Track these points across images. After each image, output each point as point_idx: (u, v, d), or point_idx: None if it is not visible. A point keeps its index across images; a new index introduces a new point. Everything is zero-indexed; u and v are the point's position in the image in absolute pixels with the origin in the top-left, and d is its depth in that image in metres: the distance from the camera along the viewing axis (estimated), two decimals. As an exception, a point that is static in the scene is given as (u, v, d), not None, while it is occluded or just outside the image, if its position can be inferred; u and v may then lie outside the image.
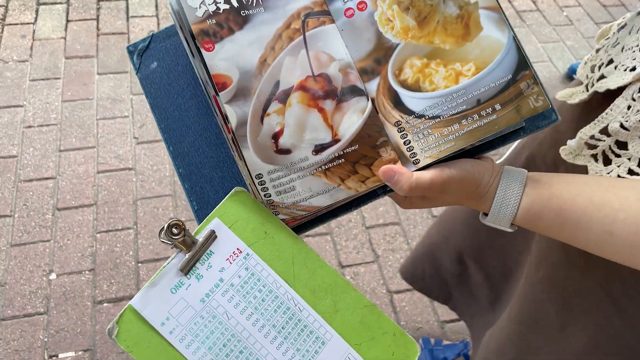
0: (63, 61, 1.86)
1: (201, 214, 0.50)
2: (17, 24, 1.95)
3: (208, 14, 0.46)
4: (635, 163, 0.48)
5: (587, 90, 0.55)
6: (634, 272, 0.47)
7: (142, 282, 1.41)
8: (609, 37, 0.56)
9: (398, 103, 0.48)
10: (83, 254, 1.45)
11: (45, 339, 1.30)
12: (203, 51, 0.46)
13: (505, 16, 0.48)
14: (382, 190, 0.50)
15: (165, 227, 0.43)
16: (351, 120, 0.48)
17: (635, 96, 0.47)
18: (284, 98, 0.47)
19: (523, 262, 0.71)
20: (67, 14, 2.00)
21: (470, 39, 0.48)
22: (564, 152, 0.55)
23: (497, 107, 0.47)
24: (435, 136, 0.48)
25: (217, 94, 0.46)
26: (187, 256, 0.44)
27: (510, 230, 0.48)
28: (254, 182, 0.47)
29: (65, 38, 1.92)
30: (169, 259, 0.44)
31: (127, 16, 2.04)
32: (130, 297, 1.39)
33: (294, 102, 0.47)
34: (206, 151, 0.52)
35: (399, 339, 0.47)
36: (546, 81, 2.05)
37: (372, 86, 0.49)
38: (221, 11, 0.47)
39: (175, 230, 0.43)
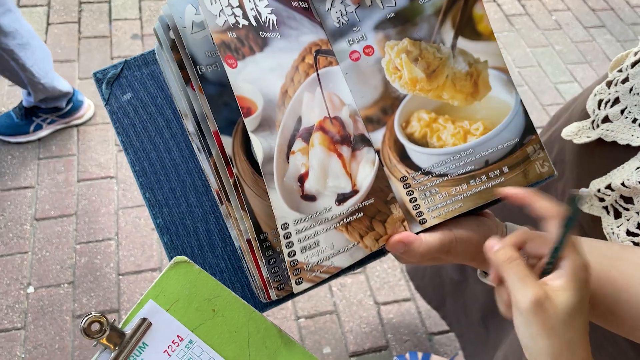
0: (43, 65, 1.81)
1: None
2: (-5, 26, 1.90)
3: (228, 26, 0.40)
4: None
5: (594, 128, 0.53)
6: None
7: (123, 295, 1.38)
8: (621, 70, 0.53)
9: (404, 157, 0.46)
10: (62, 266, 1.41)
11: (23, 355, 1.26)
12: (226, 67, 0.39)
13: (511, 79, 0.48)
14: None
15: (83, 324, 0.35)
16: (365, 171, 0.44)
17: None
18: (307, 137, 0.42)
19: None
20: (48, 16, 1.95)
21: (479, 98, 0.47)
22: None
23: (505, 169, 0.46)
24: (442, 195, 0.45)
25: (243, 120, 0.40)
26: (112, 355, 0.36)
27: None
28: (278, 234, 0.40)
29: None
30: None
31: (109, 19, 1.99)
32: (111, 311, 1.35)
33: (316, 144, 0.43)
34: (189, 199, 0.46)
35: None
36: (535, 86, 2.04)
37: (378, 137, 0.45)
38: (240, 26, 0.41)
39: (95, 328, 0.35)
